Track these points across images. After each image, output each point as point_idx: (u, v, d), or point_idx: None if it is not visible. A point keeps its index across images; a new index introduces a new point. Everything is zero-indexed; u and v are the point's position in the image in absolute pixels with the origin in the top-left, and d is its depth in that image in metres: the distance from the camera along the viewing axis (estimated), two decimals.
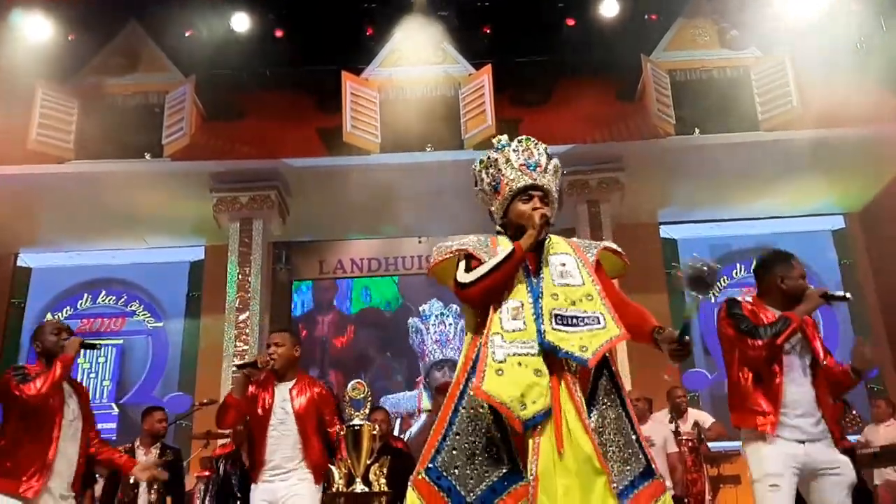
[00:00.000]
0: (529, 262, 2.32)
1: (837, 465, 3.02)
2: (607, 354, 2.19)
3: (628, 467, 2.10)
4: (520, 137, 2.45)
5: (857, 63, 7.89)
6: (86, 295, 9.35)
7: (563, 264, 2.30)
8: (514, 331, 2.15)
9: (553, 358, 2.13)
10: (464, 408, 2.14)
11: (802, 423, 3.03)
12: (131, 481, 5.20)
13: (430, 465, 2.10)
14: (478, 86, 8.33)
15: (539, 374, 2.08)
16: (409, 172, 7.80)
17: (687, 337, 2.19)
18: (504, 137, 2.47)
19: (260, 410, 3.80)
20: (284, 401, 3.80)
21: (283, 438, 3.76)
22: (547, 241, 2.37)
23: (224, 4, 8.27)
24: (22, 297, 9.28)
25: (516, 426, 2.03)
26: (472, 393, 2.11)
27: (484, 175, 2.45)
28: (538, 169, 2.37)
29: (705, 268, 2.16)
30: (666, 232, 9.30)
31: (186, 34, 8.51)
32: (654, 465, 2.16)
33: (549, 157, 2.43)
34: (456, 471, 2.06)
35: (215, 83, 8.51)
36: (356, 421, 4.02)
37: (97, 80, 8.49)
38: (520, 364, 2.08)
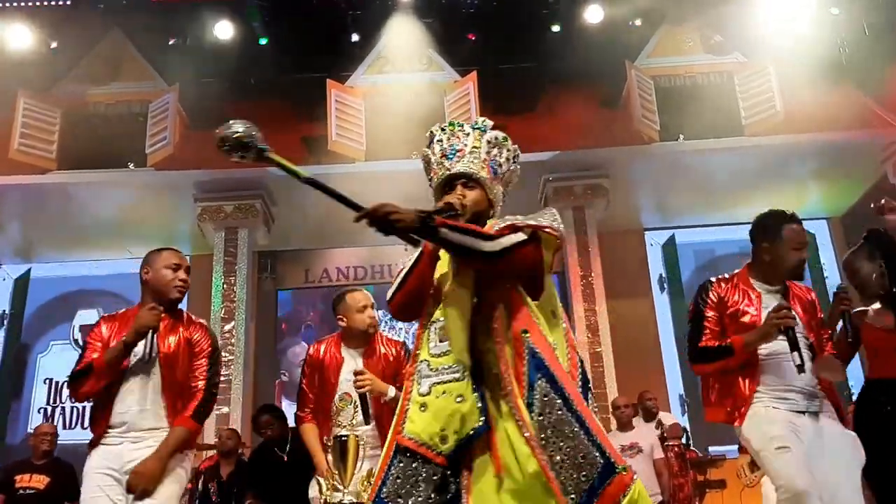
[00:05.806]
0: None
1: (843, 438, 2.70)
2: (543, 356, 1.98)
3: (584, 473, 1.91)
4: (444, 124, 2.25)
5: (840, 68, 7.97)
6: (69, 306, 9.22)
7: None
8: (440, 355, 2.01)
9: (484, 375, 1.99)
10: None
11: (794, 396, 2.70)
12: None
13: (377, 497, 1.98)
14: (463, 93, 8.32)
15: (462, 399, 1.94)
16: (395, 180, 7.73)
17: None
18: (436, 127, 2.26)
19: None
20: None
21: (139, 387, 2.92)
22: None
23: (208, 12, 8.23)
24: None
25: (441, 463, 1.93)
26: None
27: (427, 174, 2.28)
28: (458, 154, 2.16)
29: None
30: (651, 238, 9.32)
31: (170, 42, 8.47)
32: (614, 459, 1.92)
33: (482, 133, 2.21)
34: (400, 500, 1.94)
35: (199, 92, 8.44)
36: (342, 432, 3.99)
37: (79, 88, 8.43)
38: (444, 392, 1.96)
